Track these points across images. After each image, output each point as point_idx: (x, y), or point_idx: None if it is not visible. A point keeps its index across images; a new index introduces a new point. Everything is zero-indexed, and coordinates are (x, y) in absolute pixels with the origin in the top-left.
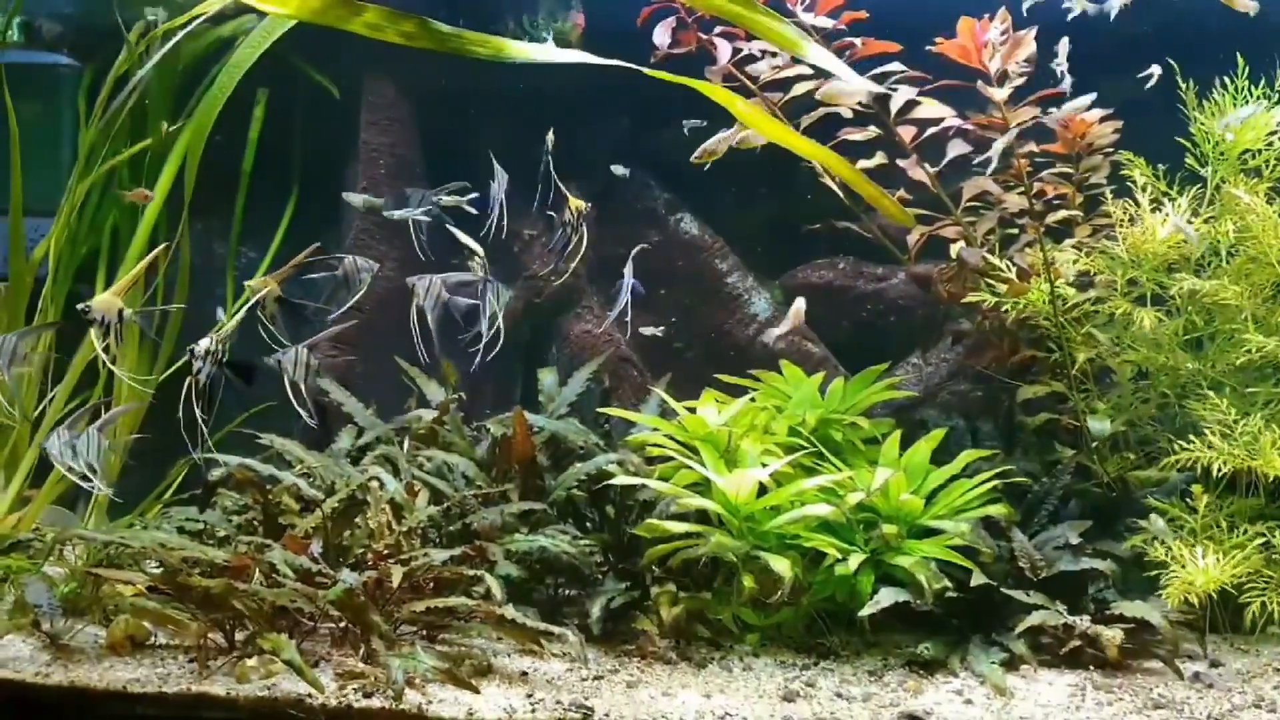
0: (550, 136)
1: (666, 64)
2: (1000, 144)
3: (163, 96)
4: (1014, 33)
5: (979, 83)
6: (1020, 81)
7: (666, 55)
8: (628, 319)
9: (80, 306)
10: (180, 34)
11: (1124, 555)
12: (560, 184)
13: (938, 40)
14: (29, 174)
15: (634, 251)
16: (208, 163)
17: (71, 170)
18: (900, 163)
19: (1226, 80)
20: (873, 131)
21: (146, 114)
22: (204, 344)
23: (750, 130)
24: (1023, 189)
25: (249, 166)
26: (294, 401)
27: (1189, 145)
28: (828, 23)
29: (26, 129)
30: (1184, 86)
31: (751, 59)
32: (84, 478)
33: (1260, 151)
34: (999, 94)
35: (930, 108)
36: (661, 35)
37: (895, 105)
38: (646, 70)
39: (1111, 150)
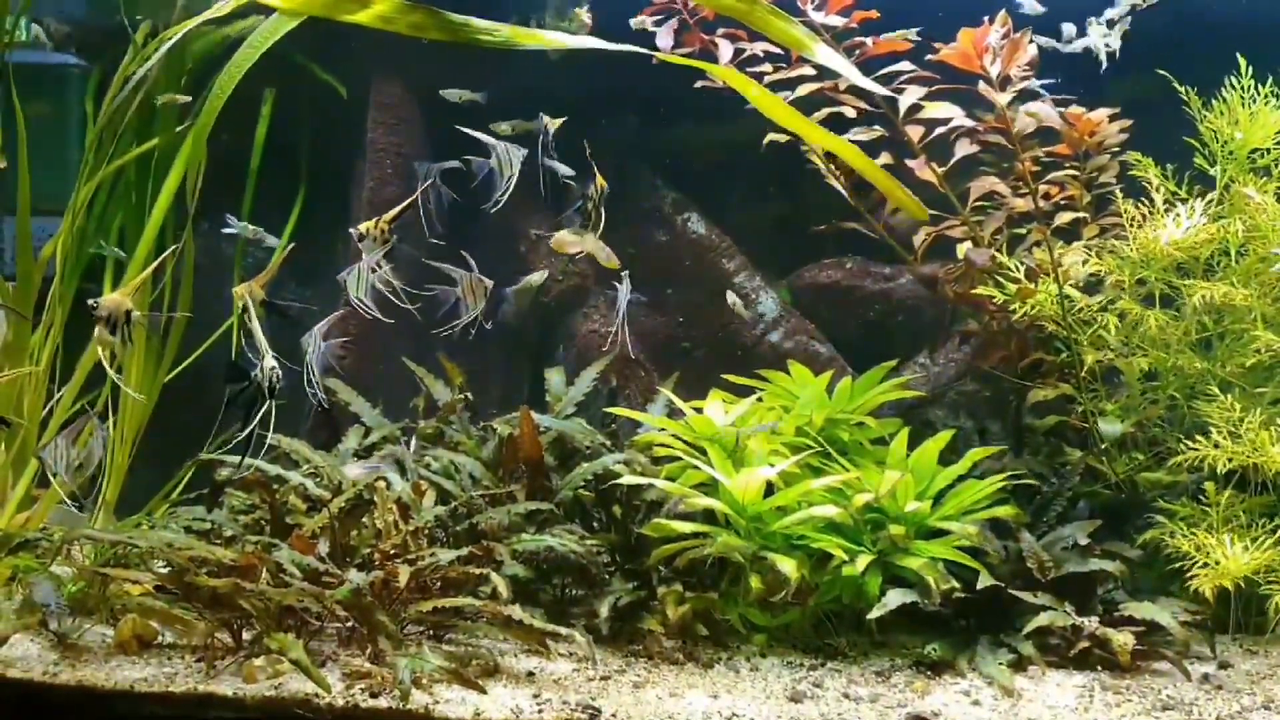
0: (545, 119)
1: (669, 66)
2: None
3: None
4: (1012, 36)
5: (980, 84)
6: (1022, 85)
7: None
8: (627, 327)
9: (90, 302)
10: (180, 33)
11: (1133, 556)
12: (592, 161)
13: (937, 47)
14: (37, 174)
15: (624, 272)
16: (216, 162)
17: (79, 170)
18: (909, 163)
19: (1233, 80)
20: (879, 131)
21: (154, 114)
22: (270, 362)
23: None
24: (1028, 191)
25: (256, 166)
26: (308, 382)
27: (1197, 145)
28: (838, 21)
29: (34, 129)
30: (1187, 88)
31: (755, 60)
32: (72, 492)
33: (1269, 150)
34: (1001, 98)
35: (938, 108)
36: (665, 38)
37: (903, 105)
38: (657, 54)
39: (1119, 150)
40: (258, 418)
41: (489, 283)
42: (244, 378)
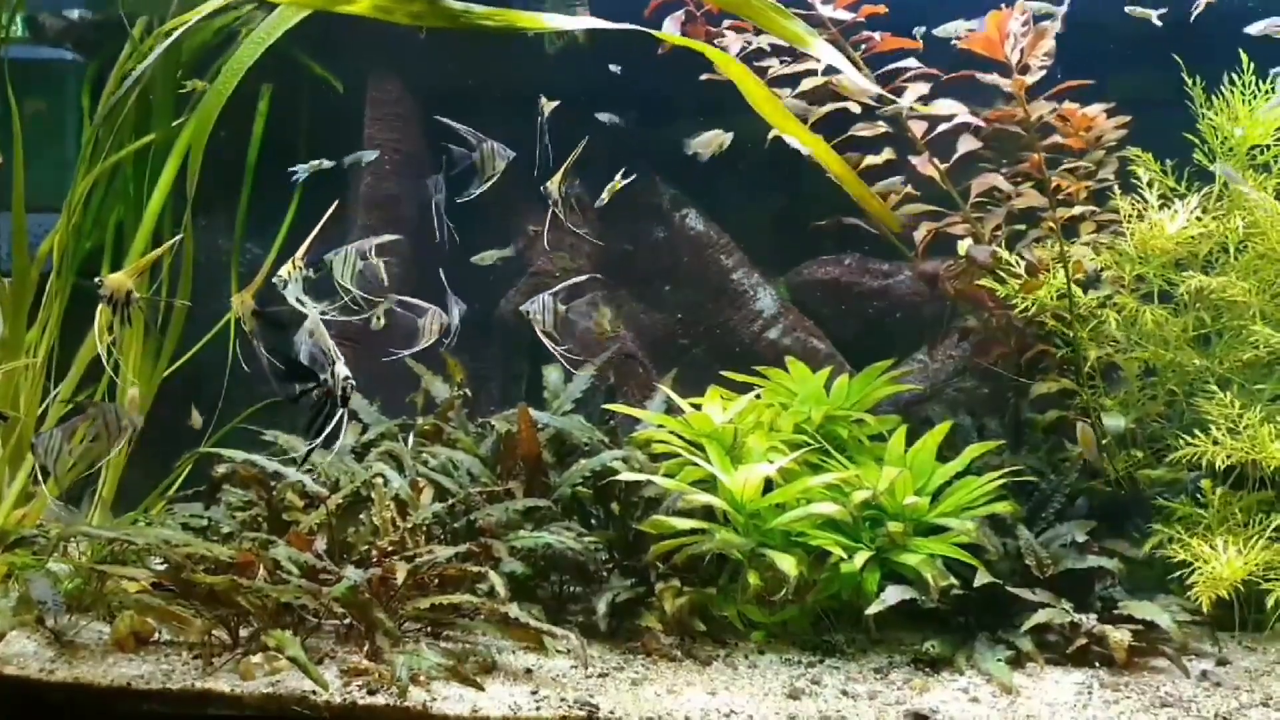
0: (544, 101)
1: (673, 58)
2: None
3: (167, 90)
4: (1035, 26)
5: (995, 75)
6: (1040, 74)
7: (672, 49)
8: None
9: (95, 280)
10: (179, 31)
11: (1130, 555)
12: (574, 162)
13: (962, 34)
14: (33, 170)
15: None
16: (212, 158)
17: (76, 166)
18: (912, 159)
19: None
20: (882, 127)
21: (150, 109)
22: (341, 370)
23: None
24: (1039, 181)
25: (253, 161)
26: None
27: (1197, 141)
28: (846, 16)
29: (30, 124)
30: (1191, 82)
31: (761, 53)
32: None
33: (1269, 147)
34: (1023, 82)
35: (941, 105)
36: (671, 29)
37: (906, 102)
38: (657, 34)
39: (1116, 145)
40: (329, 426)
41: (452, 320)
42: (311, 378)
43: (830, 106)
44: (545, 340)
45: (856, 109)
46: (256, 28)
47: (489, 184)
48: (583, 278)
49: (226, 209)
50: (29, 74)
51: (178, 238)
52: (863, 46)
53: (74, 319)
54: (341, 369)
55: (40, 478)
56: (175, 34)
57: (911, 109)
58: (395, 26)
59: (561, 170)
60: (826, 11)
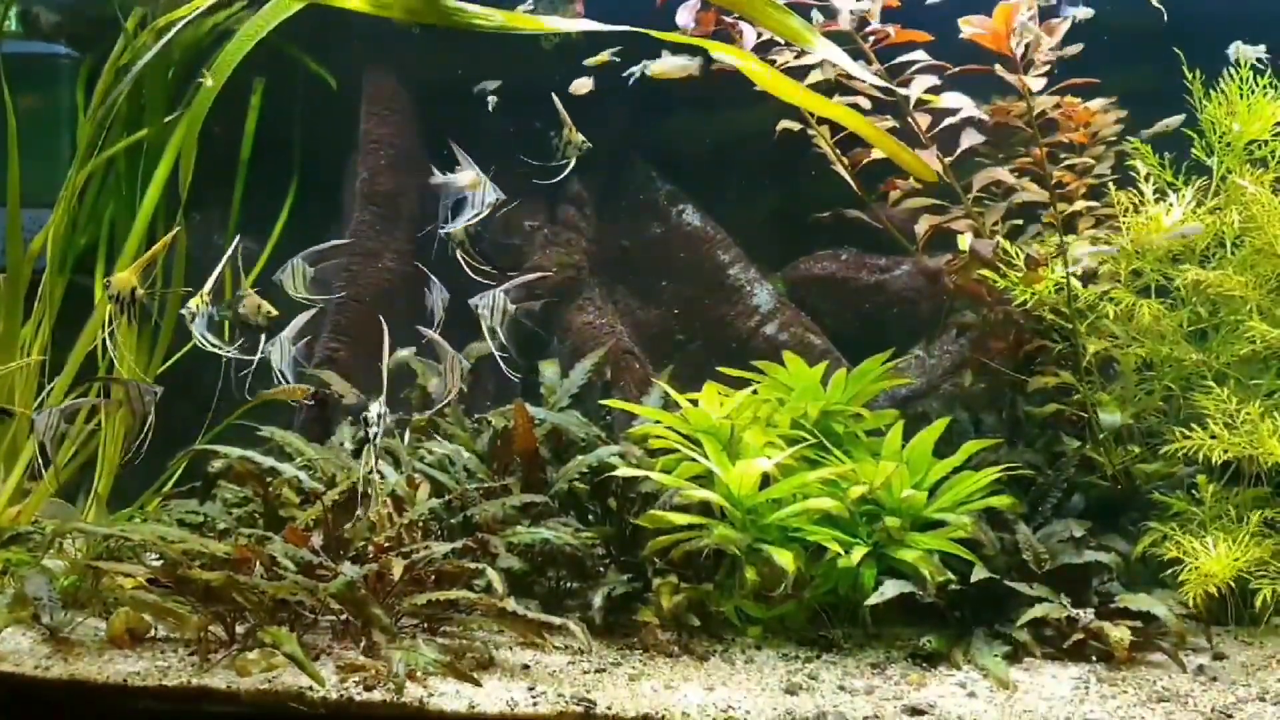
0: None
1: (679, 49)
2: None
3: (160, 86)
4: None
5: (997, 66)
6: (1047, 69)
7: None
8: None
9: (104, 281)
10: (178, 27)
11: (1125, 551)
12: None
13: (966, 21)
14: (28, 165)
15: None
16: (207, 155)
17: (70, 161)
18: (918, 153)
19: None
20: (890, 122)
21: (143, 104)
22: (375, 409)
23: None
24: (1040, 176)
25: (246, 157)
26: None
27: (1195, 135)
28: (867, 5)
29: (25, 120)
30: (1190, 77)
31: (774, 44)
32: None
33: (1267, 142)
34: (1029, 81)
35: (947, 99)
36: (685, 17)
37: (912, 95)
38: (655, 34)
39: (1115, 140)
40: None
41: (466, 364)
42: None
43: (840, 101)
44: (488, 338)
45: (867, 104)
46: (250, 20)
47: (476, 218)
48: (535, 275)
49: (220, 204)
50: (23, 69)
51: (177, 228)
52: (872, 39)
53: (69, 315)
54: (376, 408)
55: (40, 458)
56: (173, 30)
57: (919, 100)
58: (391, 23)
59: (462, 221)
60: (838, 2)
